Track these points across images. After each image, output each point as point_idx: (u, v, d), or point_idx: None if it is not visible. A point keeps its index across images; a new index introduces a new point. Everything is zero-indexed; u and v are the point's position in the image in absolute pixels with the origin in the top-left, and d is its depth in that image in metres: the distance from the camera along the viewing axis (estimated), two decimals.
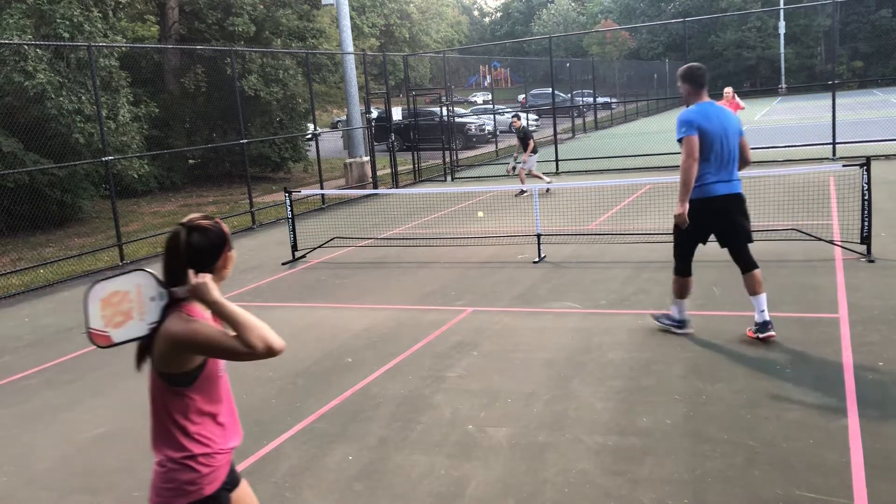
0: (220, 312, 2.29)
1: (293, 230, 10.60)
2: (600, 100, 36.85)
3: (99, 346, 2.37)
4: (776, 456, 3.99)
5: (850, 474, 3.75)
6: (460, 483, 4.00)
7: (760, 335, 5.63)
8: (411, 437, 4.61)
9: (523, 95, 44.67)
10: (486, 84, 56.01)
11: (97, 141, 13.37)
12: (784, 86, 46.83)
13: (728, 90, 14.81)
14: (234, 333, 2.29)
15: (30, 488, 4.40)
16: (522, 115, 33.66)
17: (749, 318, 6.26)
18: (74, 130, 13.70)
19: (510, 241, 10.13)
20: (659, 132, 25.53)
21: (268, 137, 19.98)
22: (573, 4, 71.16)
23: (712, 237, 5.84)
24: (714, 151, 5.62)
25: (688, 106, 5.78)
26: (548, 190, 14.19)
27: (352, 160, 19.48)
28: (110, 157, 11.68)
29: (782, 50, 52.57)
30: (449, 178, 19.97)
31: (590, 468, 4.03)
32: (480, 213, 13.68)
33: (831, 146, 16.22)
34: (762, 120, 30.19)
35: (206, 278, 2.29)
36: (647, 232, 9.83)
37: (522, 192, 14.51)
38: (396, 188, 17.98)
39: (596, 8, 66.79)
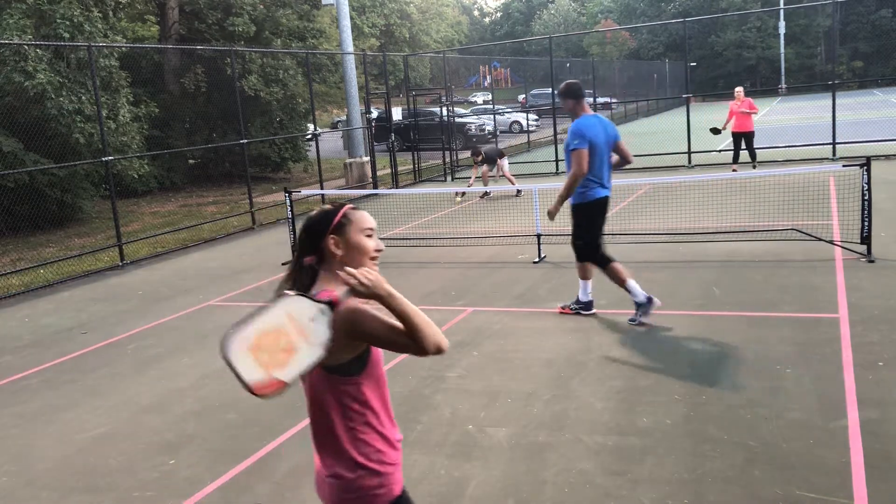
0: (395, 308, 2.03)
1: (293, 230, 10.60)
2: (600, 100, 36.83)
3: (271, 397, 2.09)
4: (776, 456, 3.99)
5: (850, 474, 3.75)
6: (460, 483, 4.00)
7: (584, 312, 6.73)
8: (411, 437, 4.61)
9: (523, 95, 44.67)
10: (486, 84, 56.01)
11: (97, 141, 13.38)
12: (784, 86, 46.83)
13: (739, 90, 14.63)
14: (402, 328, 2.06)
15: (30, 488, 4.40)
16: (522, 115, 33.77)
17: (748, 318, 6.27)
18: (74, 130, 13.70)
19: (510, 241, 10.13)
20: (659, 132, 25.53)
21: (268, 137, 19.98)
22: (573, 4, 71.16)
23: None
24: (598, 159, 6.19)
25: (576, 117, 6.28)
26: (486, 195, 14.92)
27: (352, 160, 19.48)
28: (110, 157, 11.69)
29: (782, 50, 52.58)
30: (449, 178, 19.96)
31: (590, 468, 4.03)
32: (458, 199, 14.44)
33: (831, 146, 16.22)
34: (762, 120, 30.18)
35: (365, 271, 2.03)
36: (647, 232, 9.83)
37: (519, 191, 14.67)
38: (396, 188, 17.98)
39: (596, 8, 66.79)
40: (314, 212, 2.25)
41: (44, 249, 13.08)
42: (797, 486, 3.68)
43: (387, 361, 6.07)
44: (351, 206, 2.24)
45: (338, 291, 2.08)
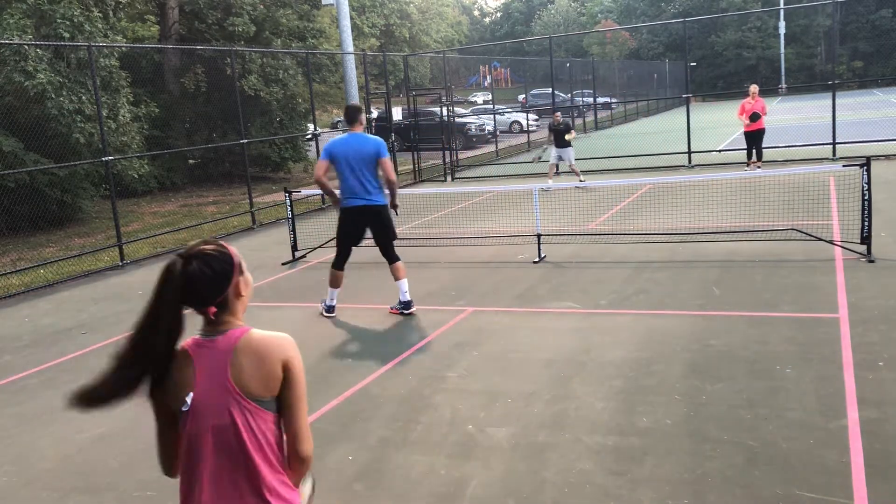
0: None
1: (293, 230, 10.60)
2: (600, 100, 36.85)
3: None
4: (776, 456, 3.99)
5: (850, 474, 3.75)
6: (460, 483, 4.00)
7: (405, 311, 7.20)
8: (411, 437, 4.61)
9: (523, 95, 44.67)
10: (486, 84, 56.02)
11: (97, 141, 13.38)
12: (784, 86, 46.84)
13: (754, 88, 14.41)
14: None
15: (30, 488, 4.40)
16: (522, 115, 33.77)
17: (748, 318, 6.28)
18: (75, 130, 13.70)
19: (510, 241, 10.13)
20: (659, 132, 25.53)
21: (268, 137, 19.97)
22: (573, 4, 71.17)
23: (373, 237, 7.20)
24: (342, 173, 6.99)
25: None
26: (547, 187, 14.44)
27: None
28: (110, 157, 11.68)
29: (782, 50, 52.58)
30: (449, 178, 19.96)
31: (590, 468, 4.03)
32: (535, 160, 14.84)
33: (831, 146, 16.22)
34: (765, 119, 30.15)
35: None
36: (647, 232, 9.84)
37: (581, 181, 14.72)
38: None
39: (596, 8, 66.78)
40: (201, 257, 2.02)
41: (44, 249, 13.08)
42: (797, 486, 3.68)
43: (386, 361, 6.11)
44: (220, 240, 2.12)
45: (246, 326, 2.08)
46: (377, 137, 7.09)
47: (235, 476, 1.99)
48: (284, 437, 2.08)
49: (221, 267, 2.03)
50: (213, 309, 2.06)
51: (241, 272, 2.08)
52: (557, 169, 15.91)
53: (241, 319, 2.10)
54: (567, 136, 15.40)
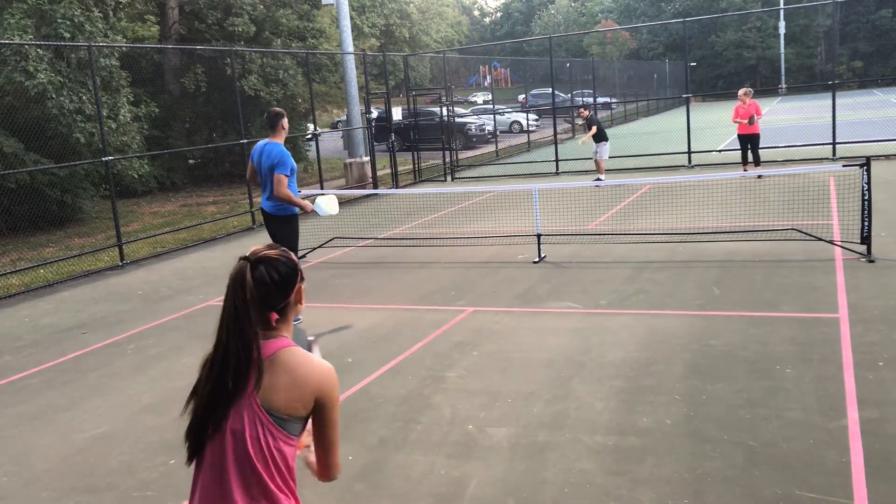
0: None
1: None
2: (600, 100, 36.85)
3: None
4: (776, 456, 3.99)
5: (850, 474, 3.75)
6: (460, 483, 4.00)
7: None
8: (411, 437, 4.61)
9: (523, 95, 44.67)
10: (486, 84, 56.02)
11: (97, 141, 13.38)
12: (784, 86, 46.85)
13: (746, 92, 14.18)
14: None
15: (30, 488, 4.40)
16: (522, 115, 33.76)
17: (748, 318, 6.28)
18: (75, 130, 13.71)
19: (510, 241, 10.13)
20: (659, 132, 25.53)
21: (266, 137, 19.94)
22: (573, 4, 71.17)
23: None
24: (259, 177, 7.34)
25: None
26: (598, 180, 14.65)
27: (352, 160, 19.47)
28: (110, 157, 11.68)
29: (782, 50, 52.58)
30: (449, 178, 19.96)
31: (590, 468, 4.03)
32: (581, 142, 15.23)
33: (831, 146, 16.22)
34: (762, 120, 30.15)
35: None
36: (647, 232, 9.84)
37: (599, 179, 14.73)
38: (396, 188, 17.98)
39: (596, 8, 66.79)
40: (267, 262, 1.97)
41: (44, 249, 13.08)
42: (797, 486, 3.68)
43: (386, 361, 6.11)
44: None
45: (290, 340, 2.02)
46: (280, 152, 7.12)
47: (232, 483, 1.91)
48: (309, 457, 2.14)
49: (287, 272, 1.99)
50: (276, 315, 1.99)
51: (303, 279, 2.06)
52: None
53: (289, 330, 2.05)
54: (581, 140, 15.49)
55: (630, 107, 40.93)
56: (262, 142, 7.35)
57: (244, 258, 1.96)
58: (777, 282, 7.29)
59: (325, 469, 2.16)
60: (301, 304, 2.06)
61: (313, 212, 7.48)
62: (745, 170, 14.33)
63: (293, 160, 7.25)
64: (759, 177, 13.75)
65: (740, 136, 14.32)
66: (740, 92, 14.17)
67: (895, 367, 5.02)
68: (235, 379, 1.89)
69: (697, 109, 22.58)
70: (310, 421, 2.01)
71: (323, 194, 7.94)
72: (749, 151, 14.29)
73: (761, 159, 14.42)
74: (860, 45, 50.47)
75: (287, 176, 7.10)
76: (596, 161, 15.65)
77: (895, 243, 8.37)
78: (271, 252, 2.00)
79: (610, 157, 18.73)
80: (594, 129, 15.33)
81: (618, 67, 47.09)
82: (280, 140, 7.25)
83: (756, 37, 54.31)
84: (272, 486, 1.93)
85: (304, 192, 14.69)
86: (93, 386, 6.06)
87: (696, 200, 11.61)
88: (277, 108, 7.46)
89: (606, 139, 15.49)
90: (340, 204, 7.92)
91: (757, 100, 14.29)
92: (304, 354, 1.99)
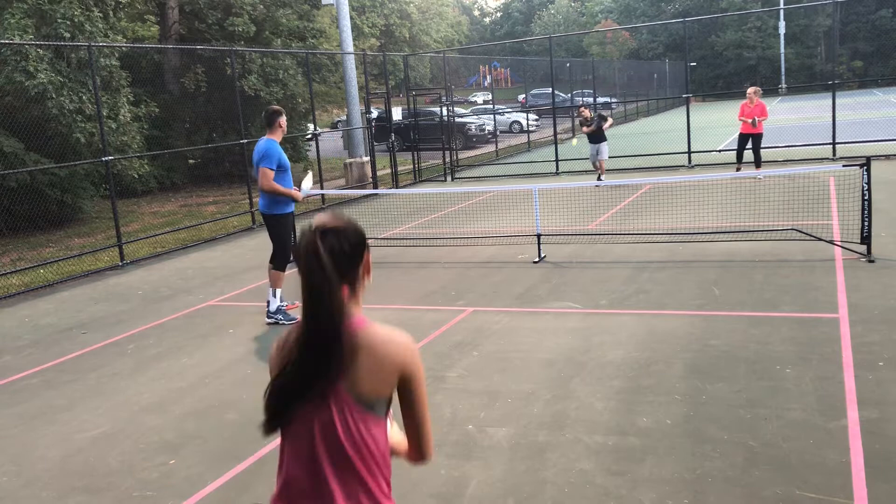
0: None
1: (293, 230, 10.58)
2: (600, 100, 36.84)
3: None
4: (776, 456, 3.99)
5: (850, 474, 3.75)
6: (460, 483, 4.00)
7: (268, 320, 7.43)
8: None
9: (523, 95, 44.68)
10: (486, 84, 56.02)
11: (97, 141, 13.37)
12: (784, 86, 46.85)
13: (755, 91, 13.95)
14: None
15: (30, 488, 4.40)
16: (522, 115, 33.76)
17: (748, 318, 6.28)
18: (75, 130, 13.71)
19: (510, 241, 10.13)
20: (659, 132, 25.53)
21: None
22: (573, 4, 71.17)
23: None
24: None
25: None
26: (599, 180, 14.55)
27: (352, 160, 19.48)
28: (110, 157, 11.68)
29: (782, 50, 52.59)
30: (449, 178, 19.96)
31: (590, 468, 4.03)
32: (575, 142, 14.60)
33: (831, 146, 16.22)
34: (766, 121, 30.16)
35: None
36: (647, 232, 9.84)
37: (599, 178, 14.65)
38: (396, 188, 17.98)
39: (596, 8, 66.79)
40: (336, 231, 1.84)
41: (44, 249, 13.08)
42: (797, 486, 3.68)
43: None
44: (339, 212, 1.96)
45: (365, 317, 1.91)
46: (266, 146, 7.18)
47: (329, 478, 1.82)
48: (400, 438, 2.01)
49: (357, 240, 1.87)
50: (347, 290, 1.85)
51: (369, 249, 1.93)
52: (594, 166, 15.57)
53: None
54: (573, 140, 15.39)
55: (630, 107, 40.93)
56: (259, 140, 7.43)
57: (311, 230, 1.83)
58: (777, 282, 7.29)
59: (418, 449, 1.96)
60: (368, 276, 1.94)
61: (302, 197, 7.52)
62: (738, 169, 14.19)
63: (285, 157, 7.27)
64: (758, 178, 13.68)
65: (742, 135, 14.10)
66: (750, 90, 13.96)
67: (895, 367, 5.02)
68: (319, 362, 1.78)
69: (697, 109, 22.59)
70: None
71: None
72: (749, 151, 14.04)
73: (762, 160, 14.29)
74: (860, 45, 50.48)
75: (272, 169, 7.11)
76: (594, 162, 15.48)
77: (895, 243, 8.37)
78: (338, 222, 1.86)
79: (610, 157, 18.73)
80: (591, 127, 15.18)
81: (618, 67, 47.10)
82: (276, 138, 7.26)
83: (756, 37, 54.32)
84: (369, 481, 1.84)
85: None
86: (93, 386, 6.06)
87: (696, 200, 11.61)
88: (275, 106, 7.46)
89: (605, 139, 15.36)
90: (340, 204, 7.90)
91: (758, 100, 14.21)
92: (383, 330, 1.87)
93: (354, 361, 1.80)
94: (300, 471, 1.84)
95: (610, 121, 15.50)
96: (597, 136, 15.22)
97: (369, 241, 1.94)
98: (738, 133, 14.38)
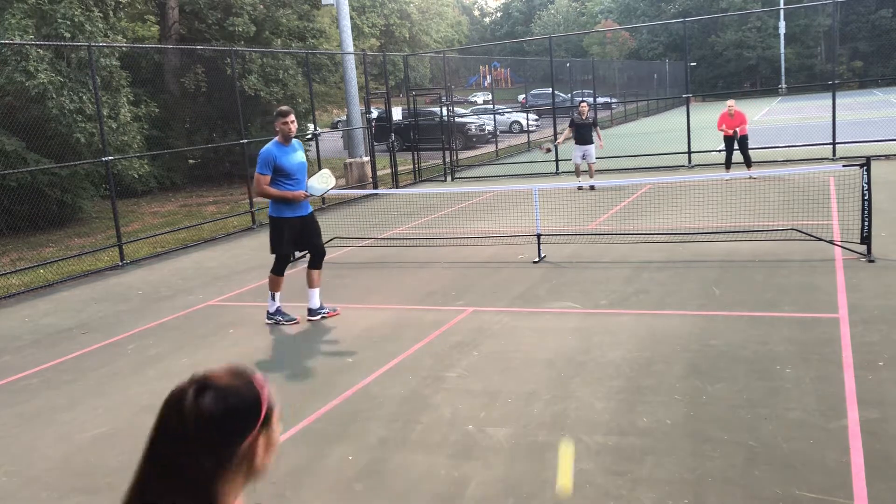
0: None
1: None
2: (600, 100, 36.84)
3: None
4: (776, 456, 3.99)
5: (850, 474, 3.75)
6: (460, 483, 4.00)
7: (267, 321, 7.37)
8: (411, 437, 4.61)
9: (523, 95, 44.66)
10: (486, 84, 56.02)
11: (97, 141, 13.37)
12: (784, 86, 46.85)
13: (731, 103, 14.23)
14: None
15: (30, 488, 4.40)
16: (522, 115, 33.77)
17: (748, 318, 6.28)
18: (75, 130, 13.71)
19: (510, 241, 10.13)
20: (659, 132, 25.54)
21: (268, 138, 19.88)
22: (573, 4, 71.18)
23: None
24: None
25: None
26: (580, 188, 14.18)
27: (352, 160, 19.48)
28: (110, 157, 11.68)
29: (782, 50, 52.58)
30: (449, 178, 19.96)
31: (590, 468, 4.03)
32: (548, 147, 14.88)
33: (831, 146, 16.22)
34: (762, 120, 30.20)
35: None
36: (647, 232, 9.84)
37: (592, 187, 14.07)
38: (396, 188, 17.98)
39: (596, 8, 66.80)
40: (219, 381, 1.33)
41: (44, 249, 13.08)
42: (797, 486, 3.68)
43: (386, 361, 6.10)
44: (257, 373, 1.40)
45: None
46: (264, 149, 7.09)
47: None
48: None
49: (246, 409, 1.33)
50: (220, 471, 1.31)
51: (269, 426, 1.38)
52: (578, 169, 14.87)
53: None
54: (557, 143, 15.17)
55: (630, 107, 40.93)
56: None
57: (189, 380, 1.34)
58: (777, 282, 7.29)
59: None
60: (267, 457, 1.37)
61: (308, 196, 7.28)
62: (728, 171, 14.45)
63: (289, 159, 7.05)
64: (752, 178, 13.80)
65: (727, 139, 14.38)
66: (729, 102, 14.27)
67: (895, 367, 5.02)
68: None
69: (697, 109, 22.57)
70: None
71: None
72: (738, 153, 14.28)
73: (752, 159, 14.40)
74: (860, 45, 50.48)
75: (263, 175, 6.95)
76: (578, 165, 14.77)
77: (895, 243, 8.37)
78: (230, 379, 1.34)
79: (610, 158, 18.70)
80: (571, 129, 14.67)
81: (618, 67, 47.10)
82: (280, 140, 7.12)
83: (756, 37, 54.31)
84: None
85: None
86: (93, 386, 6.06)
87: (696, 200, 11.61)
88: (282, 107, 7.27)
89: (591, 141, 14.65)
90: (342, 204, 7.78)
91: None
92: None
93: None
94: None
95: (601, 142, 14.88)
96: (586, 138, 14.53)
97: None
98: (723, 137, 14.62)
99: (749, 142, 14.41)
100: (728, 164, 14.56)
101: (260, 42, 21.25)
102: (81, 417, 5.42)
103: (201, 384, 1.31)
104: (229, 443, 1.29)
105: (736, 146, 14.30)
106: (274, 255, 7.36)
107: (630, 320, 6.52)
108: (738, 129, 13.98)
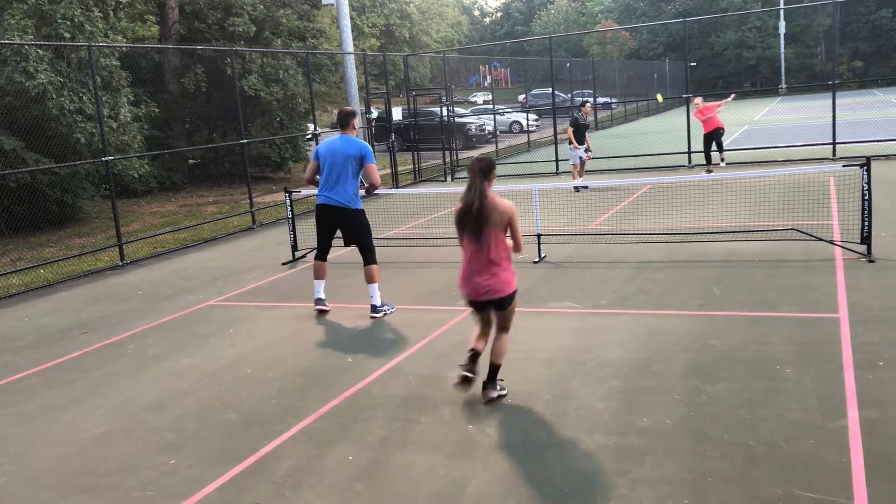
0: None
1: (293, 230, 10.60)
2: (600, 100, 36.85)
3: None
4: (776, 456, 3.99)
5: (850, 474, 3.75)
6: (460, 483, 4.00)
7: (374, 315, 7.33)
8: (411, 437, 4.61)
9: (523, 95, 44.68)
10: (486, 84, 56.02)
11: (97, 141, 13.38)
12: (784, 86, 46.84)
13: (698, 100, 15.25)
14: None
15: (30, 488, 4.40)
16: (522, 115, 33.76)
17: (748, 318, 6.28)
18: (75, 130, 13.71)
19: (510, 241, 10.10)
20: (659, 132, 25.54)
21: (268, 138, 19.97)
22: (573, 4, 71.18)
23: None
24: (325, 171, 7.37)
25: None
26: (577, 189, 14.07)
27: None
28: (111, 157, 11.69)
29: (782, 50, 52.60)
30: (449, 178, 19.96)
31: (590, 468, 4.03)
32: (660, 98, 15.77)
33: (831, 146, 16.22)
34: (762, 120, 30.20)
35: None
36: (647, 232, 9.84)
37: (584, 187, 13.97)
38: (396, 188, 17.98)
39: (596, 8, 66.80)
40: (482, 157, 5.01)
41: (44, 249, 13.08)
42: (797, 486, 3.68)
43: (386, 361, 6.11)
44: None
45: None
46: (367, 146, 7.40)
47: (490, 254, 4.88)
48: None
49: (489, 164, 4.97)
50: (487, 182, 4.92)
51: (493, 168, 5.01)
52: (575, 170, 14.99)
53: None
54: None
55: (630, 107, 40.93)
56: (334, 138, 7.44)
57: (476, 159, 4.90)
58: (777, 282, 7.29)
59: (518, 246, 5.04)
60: (493, 179, 4.96)
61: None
62: (710, 171, 15.08)
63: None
64: (721, 165, 15.44)
65: (706, 136, 15.27)
66: (697, 99, 15.37)
67: (895, 367, 5.02)
68: (480, 212, 4.79)
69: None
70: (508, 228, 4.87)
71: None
72: (715, 146, 15.37)
73: (724, 150, 15.61)
74: (860, 45, 50.50)
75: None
76: (575, 164, 14.94)
77: (895, 243, 8.37)
78: (483, 157, 4.94)
79: (610, 157, 18.68)
80: (572, 130, 14.78)
81: (618, 67, 47.11)
82: (354, 136, 7.37)
83: (756, 37, 54.33)
84: (503, 256, 4.88)
85: (305, 192, 14.73)
86: (93, 386, 6.06)
87: (696, 200, 11.61)
88: (349, 107, 7.53)
89: (584, 142, 14.92)
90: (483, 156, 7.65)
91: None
92: (500, 199, 4.88)
93: (492, 212, 4.78)
94: (478, 254, 4.83)
95: (589, 152, 15.23)
96: (584, 138, 14.84)
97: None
98: (703, 135, 15.47)
99: (723, 134, 15.43)
100: (708, 161, 15.51)
101: (260, 42, 21.25)
102: (81, 417, 5.42)
103: (478, 160, 5.10)
104: (489, 174, 5.22)
105: (714, 147, 15.32)
106: (369, 248, 7.43)
107: (630, 320, 6.52)
108: (713, 117, 15.02)
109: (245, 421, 5.08)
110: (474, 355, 4.96)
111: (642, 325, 6.33)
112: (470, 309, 5.14)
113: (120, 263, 11.19)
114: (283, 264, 10.34)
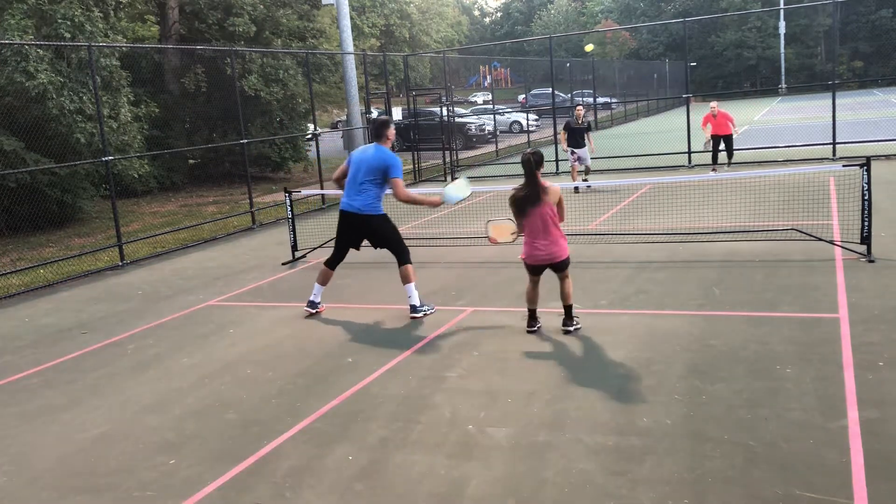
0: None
1: (293, 230, 10.60)
2: (600, 100, 36.85)
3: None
4: (776, 456, 3.99)
5: (850, 474, 3.75)
6: (460, 483, 4.00)
7: (413, 315, 7.19)
8: (411, 437, 4.61)
9: (523, 95, 44.67)
10: (486, 84, 56.03)
11: (97, 141, 13.38)
12: (784, 86, 46.86)
13: (714, 105, 14.89)
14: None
15: (30, 488, 4.40)
16: (522, 115, 33.76)
17: (748, 318, 6.28)
18: (75, 130, 13.70)
19: (510, 241, 10.10)
20: (659, 132, 25.54)
21: (268, 138, 19.98)
22: (573, 4, 71.18)
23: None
24: (349, 176, 7.30)
25: None
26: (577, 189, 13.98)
27: None
28: (111, 157, 11.69)
29: (782, 50, 52.60)
30: (449, 178, 19.96)
31: (590, 468, 4.03)
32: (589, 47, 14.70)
33: (831, 146, 16.23)
34: (762, 120, 30.20)
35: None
36: (647, 232, 9.84)
37: (588, 185, 13.75)
38: None
39: (596, 8, 66.80)
40: (535, 151, 6.22)
41: (44, 249, 13.08)
42: (797, 486, 3.68)
43: (386, 361, 6.10)
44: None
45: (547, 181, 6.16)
46: (395, 157, 7.18)
47: (549, 226, 6.16)
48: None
49: (539, 157, 6.19)
50: (538, 172, 6.16)
51: (542, 160, 6.27)
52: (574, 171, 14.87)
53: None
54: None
55: (630, 107, 40.93)
56: (369, 145, 7.30)
57: (529, 153, 6.20)
58: (777, 282, 7.29)
59: (562, 217, 6.20)
60: (542, 167, 6.20)
61: (443, 203, 7.24)
62: (715, 171, 14.96)
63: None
64: (729, 164, 15.37)
65: (714, 137, 15.07)
66: (712, 104, 14.97)
67: (895, 367, 5.02)
68: (534, 193, 6.13)
69: (698, 109, 22.57)
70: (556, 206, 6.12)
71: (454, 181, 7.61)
72: (723, 150, 15.15)
73: (734, 156, 15.34)
74: (860, 45, 50.50)
75: (402, 179, 7.17)
76: (574, 166, 14.84)
77: (895, 243, 8.37)
78: (535, 150, 6.24)
79: (610, 158, 18.69)
80: (565, 133, 14.70)
81: (618, 67, 47.11)
82: (387, 147, 7.22)
83: (756, 37, 54.33)
84: (557, 228, 6.17)
85: (305, 192, 14.73)
86: (93, 386, 6.06)
87: (696, 200, 11.61)
88: (384, 117, 7.39)
89: (583, 145, 14.77)
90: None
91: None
92: (551, 184, 6.18)
93: (546, 192, 6.12)
94: (537, 225, 6.15)
95: (592, 146, 14.95)
96: (579, 142, 14.64)
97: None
98: (710, 136, 15.27)
99: (734, 142, 15.23)
100: (715, 161, 15.32)
101: (260, 42, 21.25)
102: (81, 417, 5.42)
103: (530, 153, 6.42)
104: (540, 166, 6.67)
105: (721, 146, 15.09)
106: (400, 250, 7.28)
107: (630, 320, 6.52)
108: (726, 123, 14.83)
109: (245, 421, 5.08)
110: (533, 313, 6.35)
111: (642, 325, 6.33)
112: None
113: (120, 263, 11.19)
114: (283, 264, 10.34)
